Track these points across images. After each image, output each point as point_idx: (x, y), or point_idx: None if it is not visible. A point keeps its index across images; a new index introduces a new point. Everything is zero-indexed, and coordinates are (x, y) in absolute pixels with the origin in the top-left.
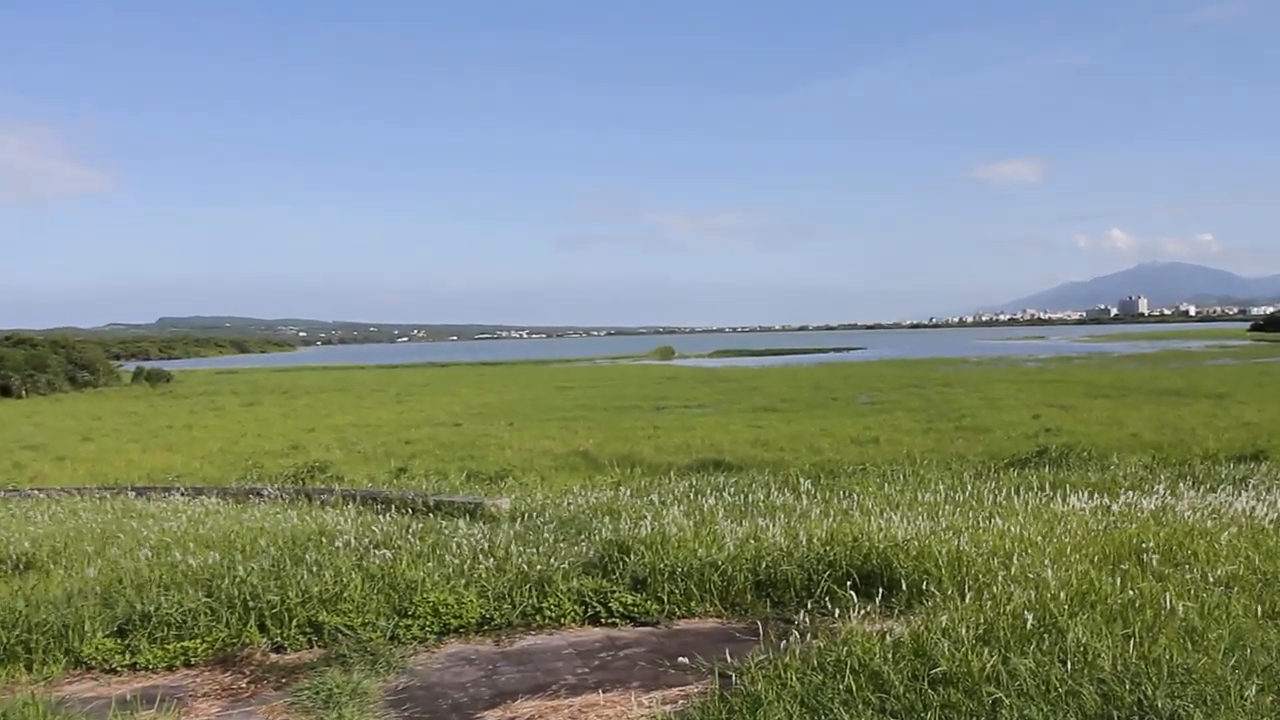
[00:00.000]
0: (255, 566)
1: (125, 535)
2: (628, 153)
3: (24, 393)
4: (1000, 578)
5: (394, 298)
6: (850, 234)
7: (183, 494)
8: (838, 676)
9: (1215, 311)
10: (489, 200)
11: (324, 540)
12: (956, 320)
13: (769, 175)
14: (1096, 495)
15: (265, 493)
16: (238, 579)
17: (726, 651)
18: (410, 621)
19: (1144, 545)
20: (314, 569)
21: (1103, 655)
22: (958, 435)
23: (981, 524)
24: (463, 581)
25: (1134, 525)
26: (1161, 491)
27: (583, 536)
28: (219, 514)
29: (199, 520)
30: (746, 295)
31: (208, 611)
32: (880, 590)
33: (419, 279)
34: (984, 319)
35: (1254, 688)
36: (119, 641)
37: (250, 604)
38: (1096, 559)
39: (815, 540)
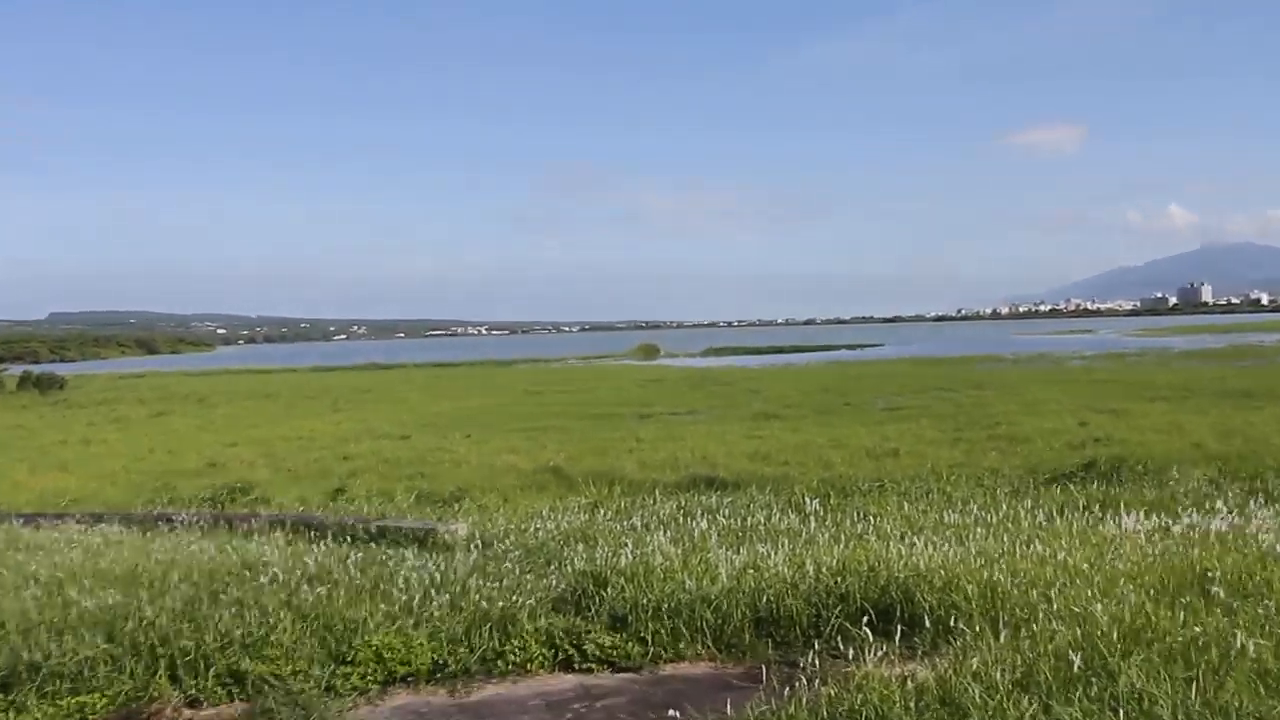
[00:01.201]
0: (165, 606)
1: (9, 571)
2: (600, 118)
3: None
4: (1041, 612)
5: (330, 289)
6: (863, 212)
7: (79, 521)
8: None
9: None
10: (438, 176)
11: (247, 574)
12: (989, 312)
13: (767, 144)
14: (1153, 515)
15: (177, 519)
16: (144, 621)
17: (723, 701)
18: (349, 669)
19: (1209, 574)
20: (235, 608)
21: (1161, 702)
22: (991, 446)
23: (1019, 550)
24: (411, 621)
25: (1197, 550)
26: (1229, 511)
27: (553, 567)
28: (122, 545)
29: (98, 552)
30: (743, 284)
31: (108, 660)
32: (900, 627)
33: (359, 268)
34: (1021, 310)
35: None
36: (1, 697)
37: (159, 650)
38: (1153, 590)
39: (824, 570)
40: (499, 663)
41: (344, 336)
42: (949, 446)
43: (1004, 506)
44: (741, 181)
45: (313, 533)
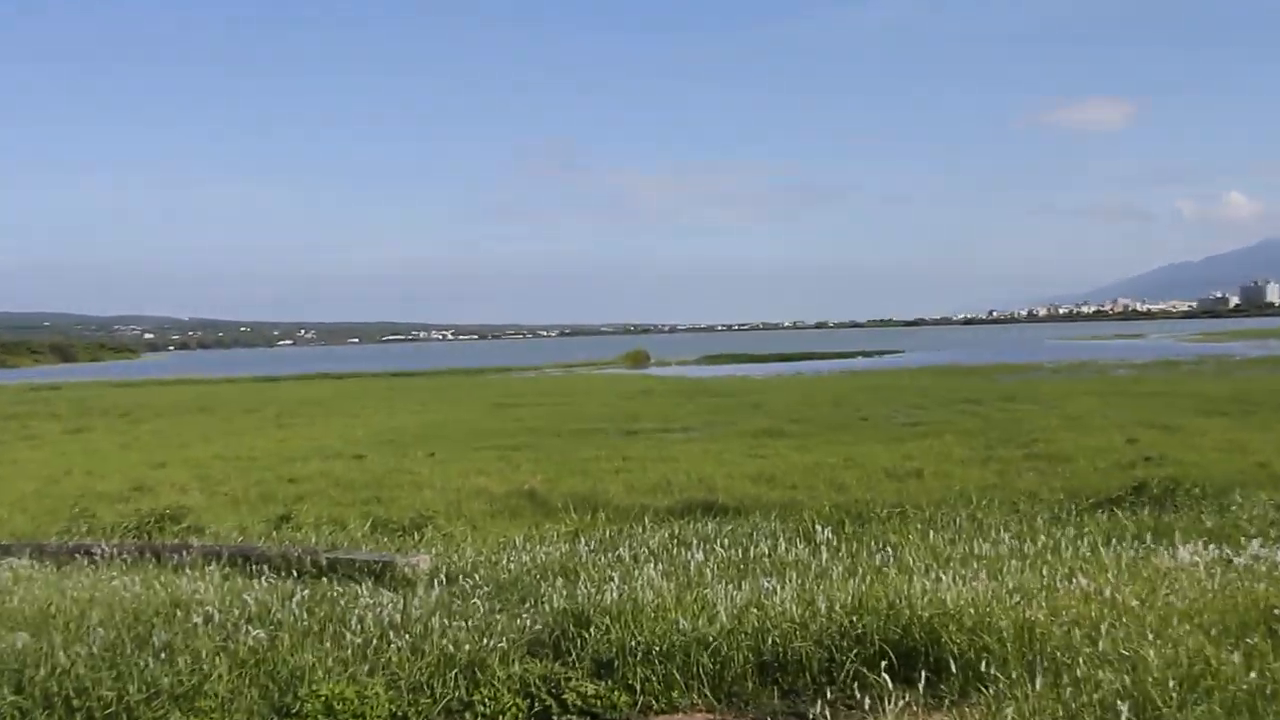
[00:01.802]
0: (82, 652)
1: None
2: (578, 88)
3: None
4: (1085, 656)
5: (273, 288)
6: (880, 200)
7: None
8: None
9: None
10: (397, 161)
11: (178, 614)
12: (1024, 313)
13: (771, 123)
14: (1213, 545)
15: (98, 551)
16: (59, 669)
17: None
18: None
19: (1276, 612)
20: (164, 654)
21: None
22: (1027, 466)
23: (1059, 585)
24: (366, 668)
25: (1264, 586)
26: None
27: (528, 605)
28: (33, 580)
29: (5, 590)
30: (744, 282)
31: (17, 713)
32: (924, 673)
33: (307, 264)
34: (1060, 311)
35: None
36: None
37: (76, 703)
38: (1213, 630)
39: (838, 608)
40: (466, 714)
41: (289, 342)
42: (979, 467)
43: (1042, 535)
44: (743, 163)
45: (253, 566)
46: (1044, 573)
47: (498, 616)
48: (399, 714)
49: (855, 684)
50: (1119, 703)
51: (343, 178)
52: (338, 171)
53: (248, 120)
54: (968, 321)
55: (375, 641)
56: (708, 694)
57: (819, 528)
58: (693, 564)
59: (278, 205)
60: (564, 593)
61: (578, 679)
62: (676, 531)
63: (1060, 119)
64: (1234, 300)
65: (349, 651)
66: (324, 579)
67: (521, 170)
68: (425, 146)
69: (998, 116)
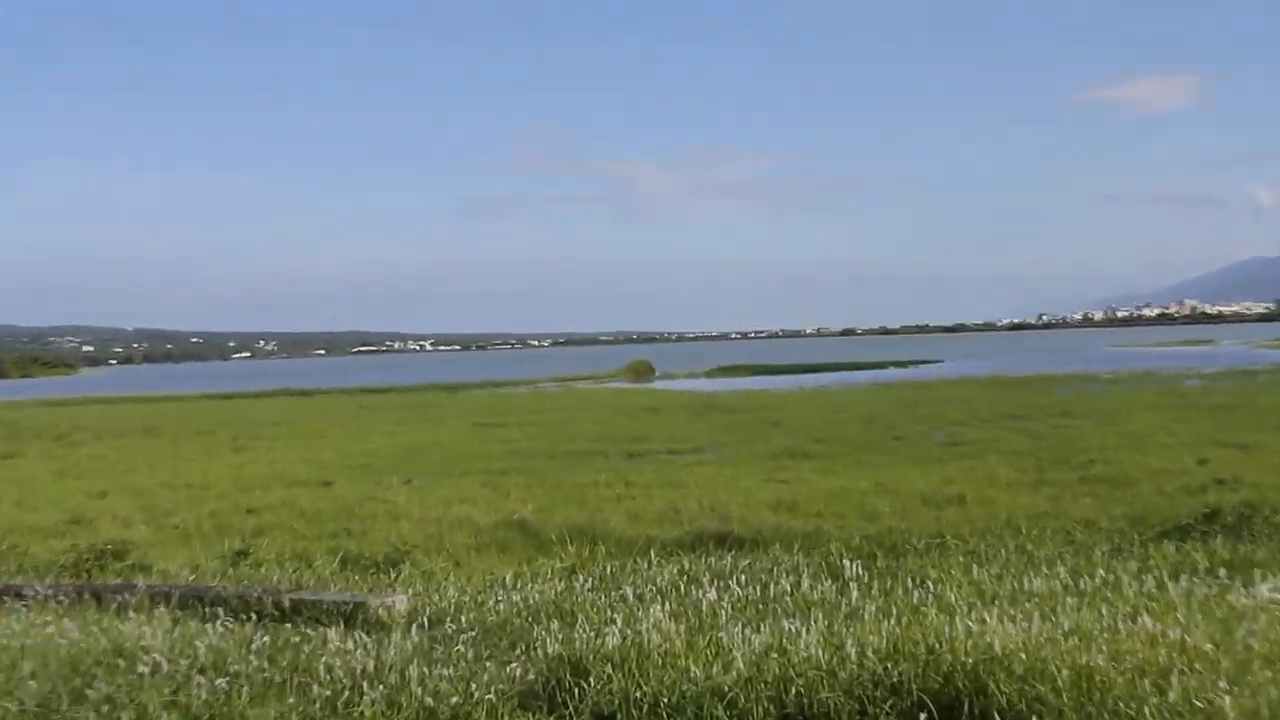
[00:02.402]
0: (13, 707)
1: None
2: (575, 71)
3: None
4: (1151, 707)
5: (229, 294)
6: (914, 190)
7: None
8: None
9: None
10: (369, 147)
11: (121, 663)
12: (1078, 317)
13: (790, 104)
14: None
15: (30, 593)
16: None
17: None
18: None
19: None
20: (105, 708)
21: None
22: (1083, 491)
23: (1121, 626)
24: None
25: None
26: None
27: (519, 651)
28: None
29: None
30: (760, 284)
31: None
32: None
33: (267, 267)
34: (1119, 314)
35: None
36: None
37: None
38: None
39: (870, 653)
40: None
41: (247, 354)
42: (1029, 491)
43: (1101, 569)
44: (758, 152)
45: (207, 608)
46: (1104, 612)
47: (485, 664)
48: None
49: None
50: None
51: (307, 170)
52: (301, 163)
53: (202, 104)
54: (1015, 326)
55: (346, 693)
56: None
57: (847, 562)
58: (705, 603)
59: (235, 201)
60: (559, 637)
61: None
62: (686, 567)
63: (1119, 96)
64: None
65: (316, 705)
66: (287, 623)
67: (513, 162)
68: (401, 134)
69: (1048, 93)
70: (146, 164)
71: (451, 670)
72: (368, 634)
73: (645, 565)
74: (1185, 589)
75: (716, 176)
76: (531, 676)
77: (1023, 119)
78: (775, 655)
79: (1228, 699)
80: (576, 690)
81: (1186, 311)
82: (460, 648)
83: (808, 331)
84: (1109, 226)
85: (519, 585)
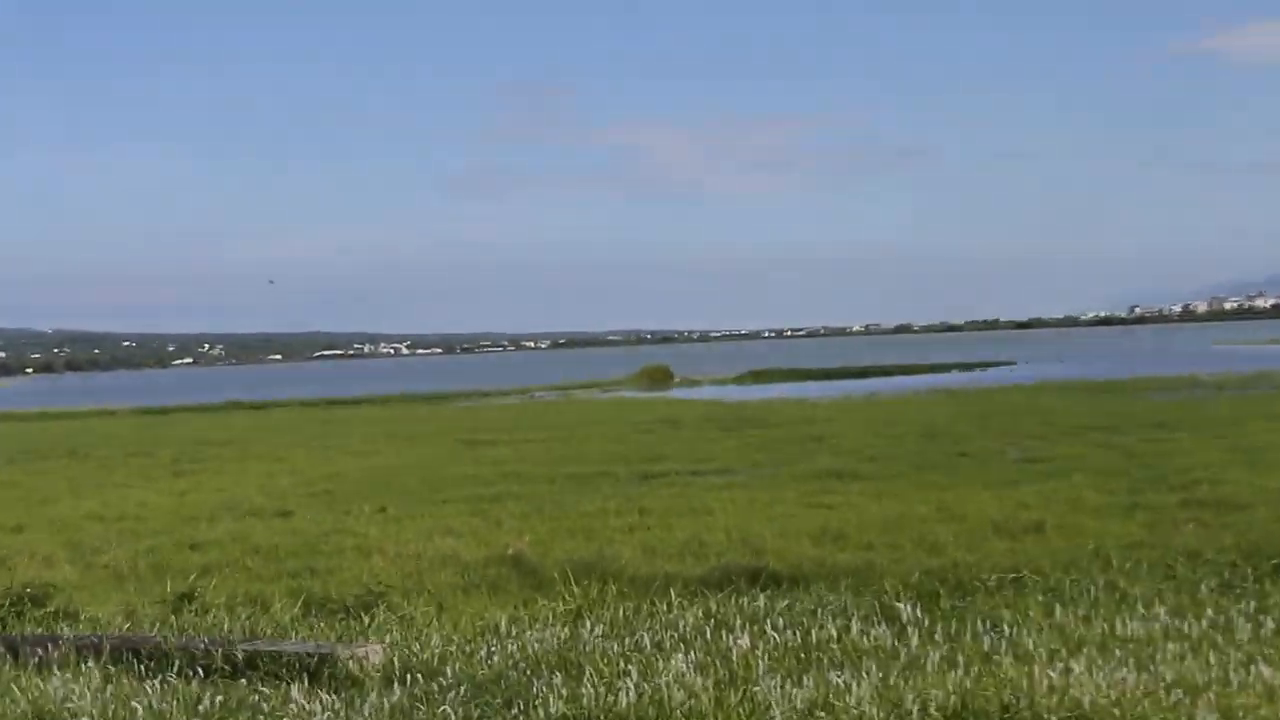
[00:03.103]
0: None
1: None
2: (578, 20)
3: None
4: None
5: (168, 289)
6: (981, 161)
7: None
8: None
9: None
10: (332, 118)
11: None
12: (1178, 310)
13: (838, 57)
14: None
15: None
16: None
17: None
18: None
19: None
20: None
21: None
22: (1185, 516)
23: (1234, 676)
24: None
25: None
26: None
27: (515, 711)
28: None
29: None
30: (799, 273)
31: None
32: None
33: (213, 257)
34: (1228, 306)
35: None
36: None
37: None
38: None
39: (934, 709)
40: None
41: (189, 360)
42: (1121, 518)
43: (1209, 610)
44: (799, 115)
45: (145, 663)
46: (1212, 660)
47: None
48: None
49: None
50: None
51: (259, 142)
52: (251, 134)
53: (134, 69)
54: (1101, 321)
55: None
56: None
57: (905, 603)
58: (736, 653)
59: (174, 180)
60: (563, 693)
61: None
62: (713, 609)
63: (1226, 46)
64: None
65: None
66: (241, 678)
67: (502, 123)
68: (371, 98)
69: (1140, 45)
70: (68, 138)
71: None
72: (336, 691)
73: (664, 608)
74: None
75: (747, 145)
76: None
77: (1115, 77)
78: (821, 713)
79: None
80: None
81: None
82: (446, 707)
83: (855, 329)
84: (1214, 201)
85: (515, 632)
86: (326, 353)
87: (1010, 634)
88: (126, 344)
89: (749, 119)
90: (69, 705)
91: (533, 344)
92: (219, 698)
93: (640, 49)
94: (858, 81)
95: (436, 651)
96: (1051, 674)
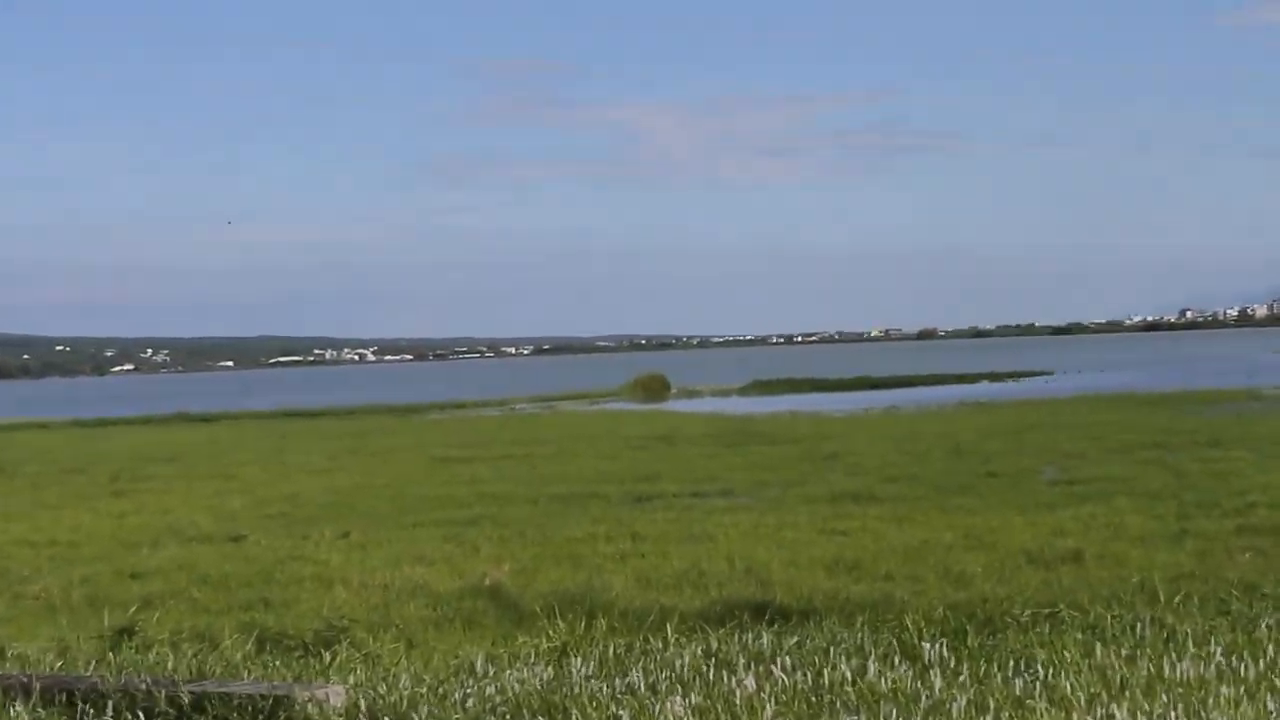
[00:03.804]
0: None
1: None
2: None
3: None
4: None
5: (105, 288)
6: (1013, 148)
7: None
8: None
9: None
10: (293, 96)
11: None
12: (1234, 313)
13: (856, 29)
14: None
15: None
16: None
17: None
18: None
19: None
20: None
21: None
22: (1241, 545)
23: None
24: None
25: None
26: None
27: None
28: None
29: None
30: (811, 271)
31: None
32: None
33: (155, 251)
34: None
35: None
36: None
37: None
38: None
39: None
40: None
41: (130, 366)
42: (1169, 546)
43: (1268, 649)
44: (812, 95)
45: (80, 705)
46: (1271, 707)
47: None
48: None
49: None
50: None
51: (209, 122)
52: (201, 113)
53: (68, 48)
54: (1149, 326)
55: None
56: None
57: (928, 640)
58: (739, 695)
59: (112, 163)
60: None
61: None
62: (714, 646)
63: (1275, 20)
64: None
65: None
66: None
67: (483, 103)
68: (338, 74)
69: (1192, 15)
70: None
71: None
72: None
73: (659, 645)
74: None
75: (754, 128)
76: None
77: (1165, 51)
78: None
79: None
80: None
81: None
82: None
83: (874, 334)
84: (1274, 191)
85: (493, 672)
86: (284, 359)
87: (1045, 676)
88: (60, 348)
89: (754, 101)
90: None
91: (513, 350)
92: None
93: (631, 20)
94: (881, 57)
95: (405, 693)
96: None
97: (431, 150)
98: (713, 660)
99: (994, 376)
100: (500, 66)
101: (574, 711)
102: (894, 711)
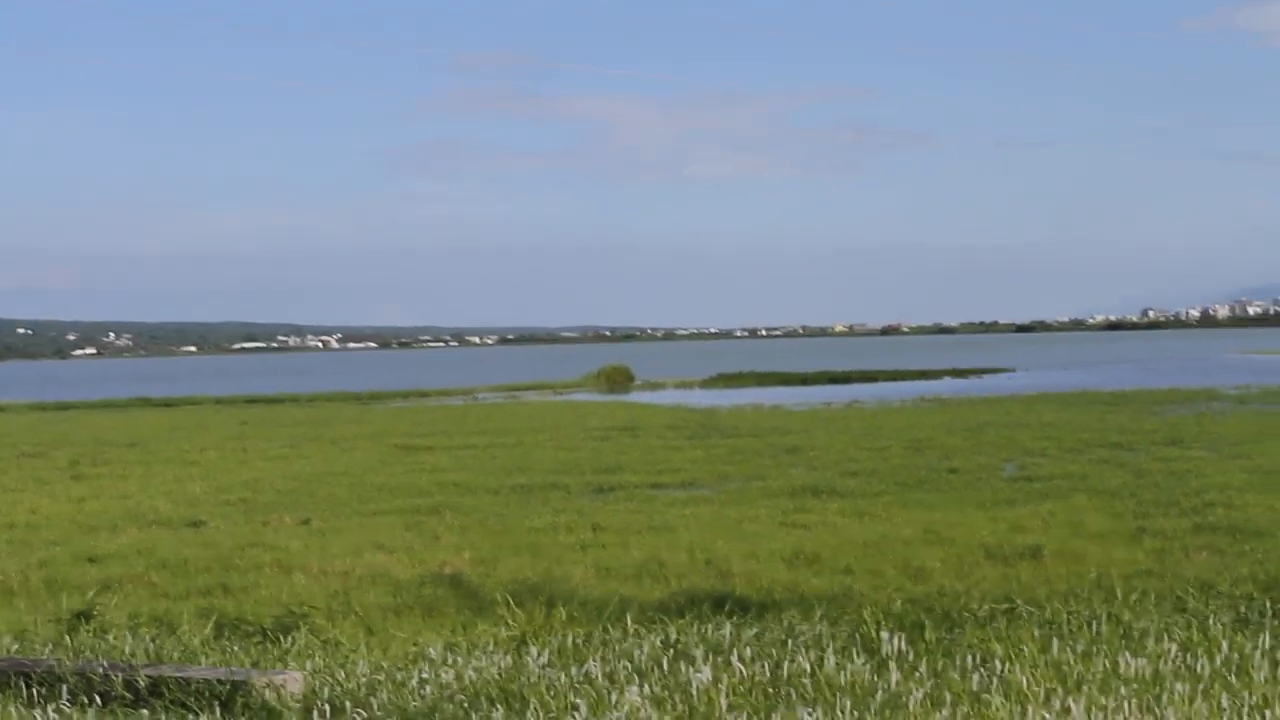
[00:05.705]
0: None
1: None
2: None
3: None
4: None
5: (67, 271)
6: (981, 147)
7: None
8: None
9: None
10: (260, 80)
11: None
12: (1196, 314)
13: (829, 26)
14: None
15: None
16: None
17: None
18: None
19: None
20: None
21: None
22: (1198, 543)
23: None
24: None
25: None
26: None
27: None
28: None
29: None
30: (777, 266)
31: None
32: None
33: (117, 235)
34: (1251, 312)
35: None
36: None
37: None
38: None
39: None
40: None
41: (92, 351)
42: (1126, 543)
43: (1224, 646)
44: (774, 90)
45: (35, 689)
46: (1224, 704)
47: None
48: None
49: None
50: None
51: (177, 107)
52: (166, 95)
53: (22, 25)
54: (1111, 325)
55: None
56: None
57: (885, 633)
58: (696, 686)
59: (77, 151)
60: None
61: None
62: (673, 637)
63: (1245, 25)
64: None
65: None
66: (143, 707)
67: (452, 95)
68: (308, 64)
69: (1159, 19)
70: None
71: None
72: None
73: (618, 635)
74: None
75: (724, 123)
76: None
77: (1132, 54)
78: None
79: None
80: None
81: None
82: None
83: (837, 329)
84: (1239, 194)
85: (451, 660)
86: (247, 345)
87: (1002, 670)
88: (21, 331)
89: (725, 92)
90: None
91: (478, 340)
92: None
93: (610, 14)
94: (853, 56)
95: (363, 680)
96: (1047, 715)
97: (399, 141)
98: (671, 651)
99: (956, 373)
100: (470, 59)
101: (531, 700)
102: (850, 704)
